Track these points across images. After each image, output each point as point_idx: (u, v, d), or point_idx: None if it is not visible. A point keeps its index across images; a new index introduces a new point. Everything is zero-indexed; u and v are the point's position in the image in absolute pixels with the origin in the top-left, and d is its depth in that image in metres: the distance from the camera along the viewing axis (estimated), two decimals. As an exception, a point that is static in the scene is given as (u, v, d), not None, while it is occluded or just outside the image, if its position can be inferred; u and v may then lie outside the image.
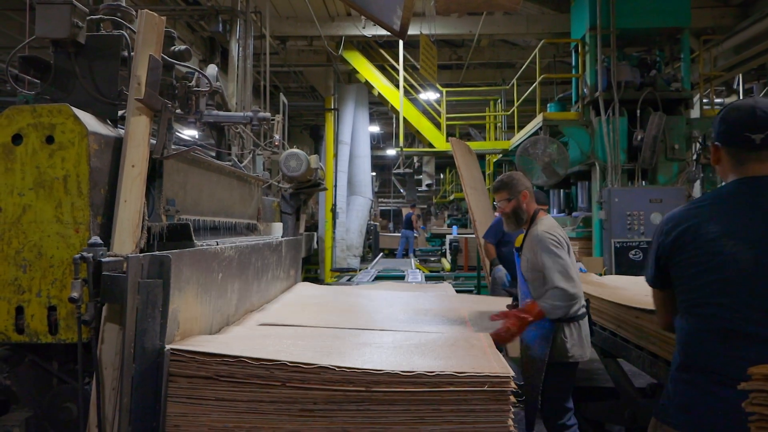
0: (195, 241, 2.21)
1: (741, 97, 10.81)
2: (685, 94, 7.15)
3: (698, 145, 7.55)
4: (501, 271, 5.31)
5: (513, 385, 1.68)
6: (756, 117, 1.41)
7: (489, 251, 5.31)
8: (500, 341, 2.47)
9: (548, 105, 8.80)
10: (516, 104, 9.79)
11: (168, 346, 1.71)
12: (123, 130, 2.00)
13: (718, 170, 1.56)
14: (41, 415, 1.89)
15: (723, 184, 1.54)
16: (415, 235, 15.75)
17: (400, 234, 15.85)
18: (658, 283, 1.62)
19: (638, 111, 6.98)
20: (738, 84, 10.77)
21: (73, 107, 1.86)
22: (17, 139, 1.84)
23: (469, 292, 5.93)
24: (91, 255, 1.68)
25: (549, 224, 2.82)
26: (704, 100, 8.18)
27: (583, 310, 2.84)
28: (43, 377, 1.92)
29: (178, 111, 2.57)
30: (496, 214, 3.70)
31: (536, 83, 8.37)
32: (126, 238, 1.85)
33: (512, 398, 1.68)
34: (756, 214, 1.40)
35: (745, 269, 1.36)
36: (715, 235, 1.39)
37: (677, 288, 1.53)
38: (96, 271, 1.68)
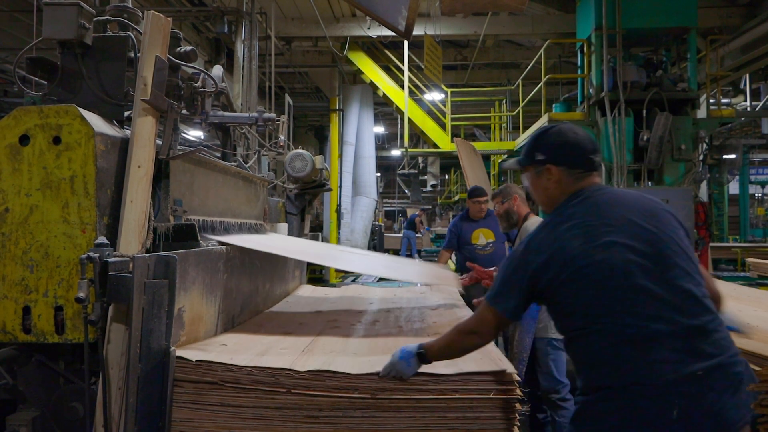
0: (201, 242, 2.22)
1: (748, 98, 10.75)
2: (691, 94, 7.11)
3: (705, 145, 7.51)
4: None
5: (519, 392, 1.68)
6: (593, 141, 1.59)
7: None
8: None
9: (554, 105, 8.77)
10: (521, 104, 9.77)
11: (173, 348, 1.72)
12: (129, 131, 2.01)
13: (550, 190, 1.56)
14: (48, 415, 1.90)
15: (564, 203, 1.52)
16: (417, 235, 15.72)
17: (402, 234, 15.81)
18: (517, 315, 1.52)
19: (644, 111, 6.95)
20: (745, 84, 10.71)
21: (79, 108, 1.87)
22: (24, 139, 1.85)
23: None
24: (97, 255, 1.69)
25: (536, 221, 3.23)
26: (711, 101, 8.13)
27: None
28: (49, 377, 1.92)
29: (184, 112, 2.58)
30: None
31: (541, 83, 8.35)
32: (132, 239, 1.86)
33: (518, 405, 1.68)
34: (610, 212, 1.41)
35: (622, 270, 1.32)
36: (579, 250, 1.37)
37: (563, 315, 1.45)
38: (102, 271, 1.69)
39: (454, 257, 4.95)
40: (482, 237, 4.39)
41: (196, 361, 1.69)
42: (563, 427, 3.11)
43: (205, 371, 1.69)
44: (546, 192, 1.57)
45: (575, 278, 1.36)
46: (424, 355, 1.62)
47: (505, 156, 7.18)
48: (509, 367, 1.71)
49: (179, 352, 1.72)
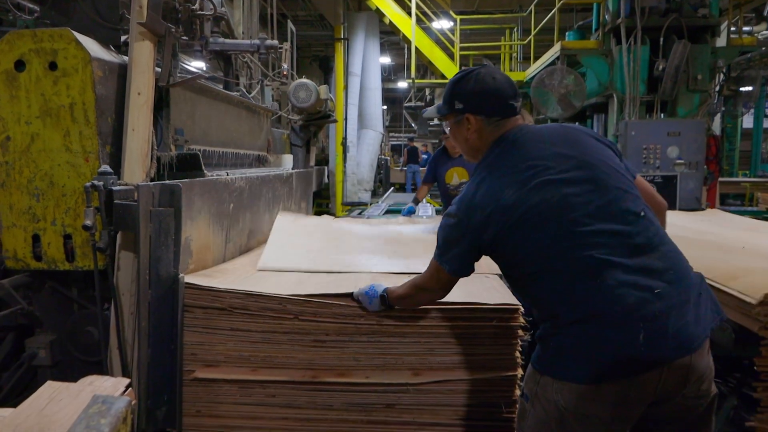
0: (205, 172, 2.20)
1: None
2: (712, 21, 6.77)
3: (722, 75, 7.26)
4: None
5: (521, 319, 1.71)
6: (513, 85, 1.51)
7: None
8: None
9: (567, 33, 8.41)
10: (533, 33, 9.39)
11: (182, 275, 1.75)
12: (127, 57, 1.95)
13: (471, 140, 1.49)
14: (65, 338, 1.97)
15: (488, 153, 1.46)
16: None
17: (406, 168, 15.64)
18: (465, 272, 1.48)
19: (662, 39, 6.65)
20: (769, 10, 10.19)
21: (74, 32, 1.80)
22: (20, 65, 1.80)
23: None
24: (101, 183, 1.69)
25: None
26: (732, 28, 7.77)
27: None
28: (63, 303, 1.98)
29: (183, 38, 2.48)
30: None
31: (555, 9, 7.98)
32: (136, 168, 1.85)
33: (520, 332, 1.72)
34: (535, 151, 1.38)
35: (560, 206, 1.30)
36: (513, 199, 1.33)
37: (512, 266, 1.42)
38: (108, 199, 1.69)
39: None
40: (456, 177, 4.11)
41: (205, 287, 1.73)
42: None
43: (213, 297, 1.73)
44: (468, 142, 1.51)
45: (518, 227, 1.33)
46: (386, 299, 1.67)
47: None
48: (513, 300, 1.73)
49: (188, 279, 1.75)
